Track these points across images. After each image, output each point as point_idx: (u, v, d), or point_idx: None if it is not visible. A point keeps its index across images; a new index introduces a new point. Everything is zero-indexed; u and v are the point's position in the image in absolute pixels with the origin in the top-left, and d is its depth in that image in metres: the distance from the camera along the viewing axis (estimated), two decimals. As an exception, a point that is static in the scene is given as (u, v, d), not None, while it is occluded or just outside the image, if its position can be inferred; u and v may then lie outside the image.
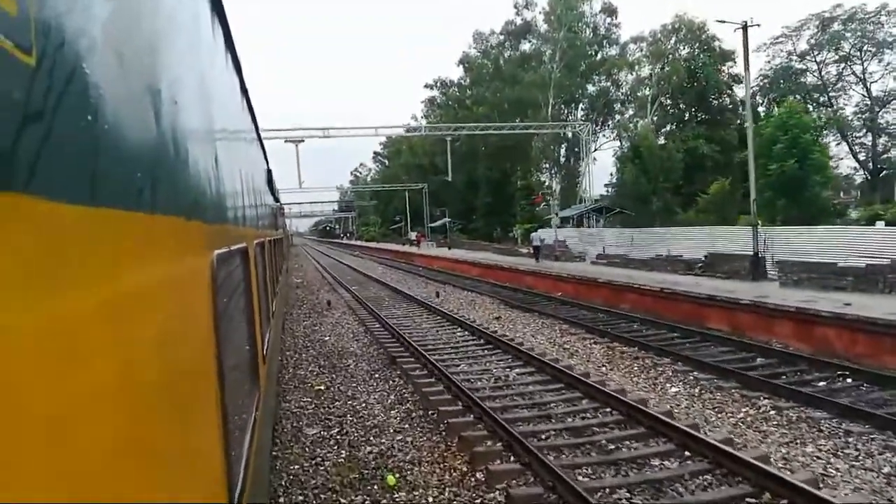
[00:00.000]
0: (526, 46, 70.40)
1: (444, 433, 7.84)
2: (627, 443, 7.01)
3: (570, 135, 66.53)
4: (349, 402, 9.63)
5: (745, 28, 18.50)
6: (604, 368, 11.06)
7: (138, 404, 1.02)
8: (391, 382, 10.53)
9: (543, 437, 7.26)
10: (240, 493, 2.14)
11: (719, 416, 8.31)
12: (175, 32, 1.75)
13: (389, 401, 9.55)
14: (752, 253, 17.83)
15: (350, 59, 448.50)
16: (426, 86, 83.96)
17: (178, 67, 1.73)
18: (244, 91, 4.97)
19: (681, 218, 44.76)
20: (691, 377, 10.18)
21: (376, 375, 11.09)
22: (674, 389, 9.66)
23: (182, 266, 1.54)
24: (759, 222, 18.90)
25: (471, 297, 21.48)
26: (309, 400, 9.92)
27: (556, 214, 32.71)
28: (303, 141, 37.60)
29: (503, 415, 7.82)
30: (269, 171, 10.77)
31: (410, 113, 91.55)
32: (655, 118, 57.93)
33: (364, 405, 9.43)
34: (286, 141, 37.11)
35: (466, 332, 14.10)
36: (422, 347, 12.13)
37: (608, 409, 8.08)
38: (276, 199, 15.08)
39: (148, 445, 1.07)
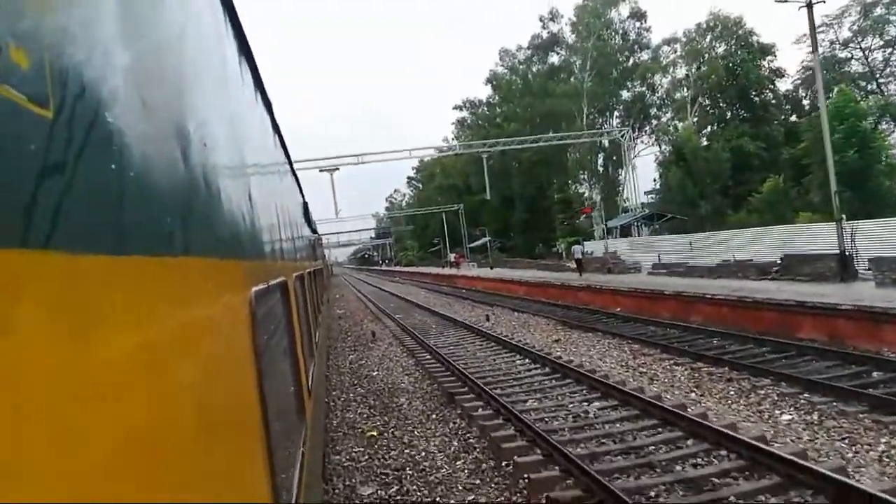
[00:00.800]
0: (554, 59, 69.37)
1: (524, 491, 6.54)
2: (762, 498, 5.60)
3: (606, 144, 65.02)
4: (406, 452, 8.41)
5: (809, 6, 16.98)
6: (693, 394, 9.62)
7: (183, 451, 1.01)
8: (452, 425, 9.26)
9: (652, 493, 5.89)
10: None
11: (858, 452, 6.80)
12: (202, 75, 1.75)
13: (453, 448, 8.28)
14: (837, 251, 16.08)
15: (379, 88, 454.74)
16: (455, 107, 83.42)
17: (206, 110, 1.71)
18: (275, 127, 4.89)
19: (731, 220, 42.65)
20: (802, 400, 8.67)
21: (433, 416, 9.85)
22: (786, 417, 8.16)
23: (219, 306, 1.50)
24: (844, 216, 17.13)
25: (523, 318, 20.12)
26: (361, 450, 8.74)
27: (605, 225, 31.07)
28: (337, 169, 36.87)
29: (594, 465, 6.50)
30: (305, 204, 10.82)
31: (442, 136, 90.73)
32: (696, 119, 55.87)
33: (424, 455, 8.19)
34: (321, 171, 36.49)
35: (527, 360, 12.78)
36: (480, 380, 10.87)
37: (723, 452, 6.66)
38: (314, 230, 15.25)
39: (195, 491, 1.04)
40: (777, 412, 8.40)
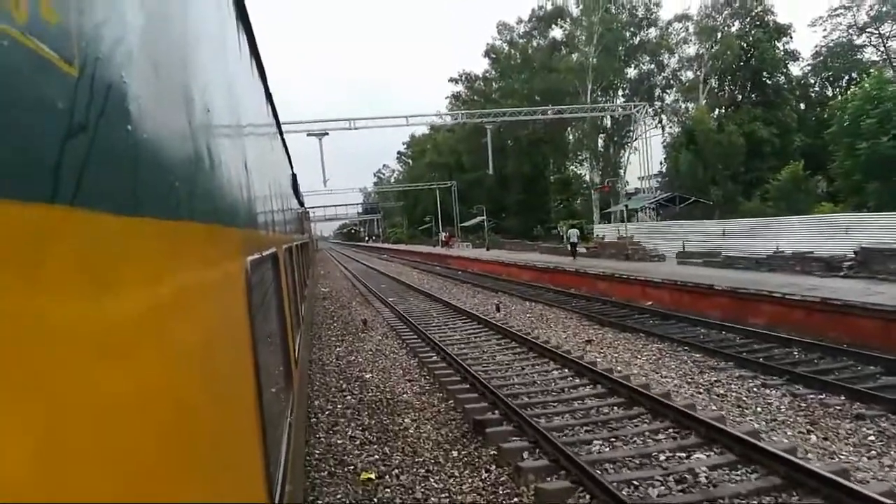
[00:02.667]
0: (557, 33, 66.07)
1: None
2: None
3: (608, 123, 62.34)
4: (422, 518, 5.74)
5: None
6: (813, 437, 6.99)
7: (182, 406, 1.03)
8: (485, 475, 6.54)
9: None
10: (279, 496, 2.13)
11: None
12: (204, 41, 1.71)
13: (494, 521, 5.61)
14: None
15: (372, 56, 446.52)
16: (451, 80, 79.74)
17: (208, 76, 1.70)
18: (269, 97, 4.75)
19: (744, 208, 40.17)
20: None
21: (454, 455, 7.13)
22: None
23: (220, 272, 1.55)
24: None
25: (537, 309, 17.40)
26: (353, 507, 6.06)
27: (626, 205, 28.35)
28: (326, 134, 33.59)
29: None
30: (293, 176, 10.54)
31: (435, 111, 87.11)
32: (705, 101, 53.07)
33: (449, 528, 5.52)
34: (308, 135, 33.24)
35: (565, 370, 10.06)
36: (512, 400, 8.20)
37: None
38: (301, 204, 14.72)
39: (192, 447, 1.07)
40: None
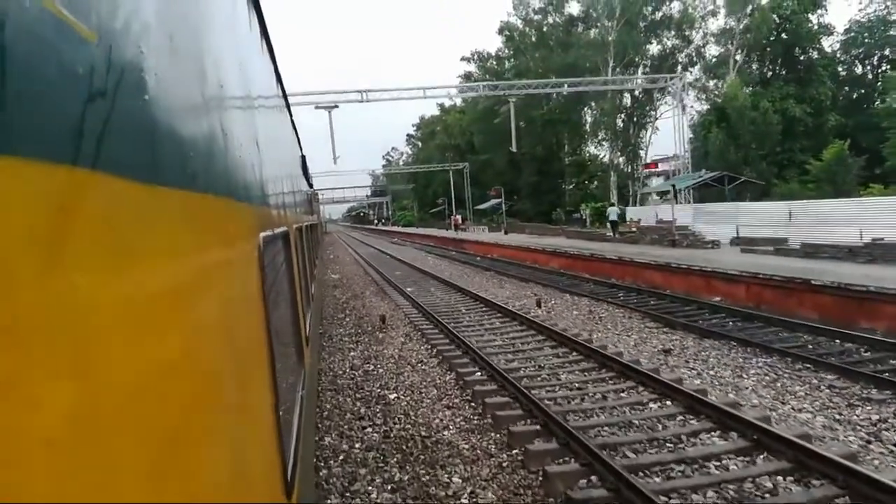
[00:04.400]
0: (574, 9, 62.74)
1: None
2: None
3: (627, 103, 59.38)
4: None
5: None
6: None
7: (199, 374, 1.02)
8: None
9: None
10: (293, 466, 2.14)
11: None
12: (219, 22, 1.73)
13: None
14: None
15: (381, 35, 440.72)
16: (463, 58, 76.61)
17: (222, 53, 1.70)
18: (279, 78, 4.78)
19: (781, 190, 37.27)
20: None
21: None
22: None
23: (235, 245, 1.55)
24: None
25: (584, 305, 14.80)
26: None
27: (673, 185, 25.60)
28: (336, 107, 30.84)
29: None
30: (303, 157, 10.43)
31: (445, 91, 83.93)
32: (733, 77, 49.87)
33: None
34: (317, 107, 30.45)
35: (670, 405, 7.43)
36: (616, 459, 5.69)
37: None
38: (310, 185, 14.61)
39: (208, 417, 1.06)
40: None
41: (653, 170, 43.88)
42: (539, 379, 8.67)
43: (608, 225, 26.73)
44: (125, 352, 0.69)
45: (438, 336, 12.05)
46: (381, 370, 10.39)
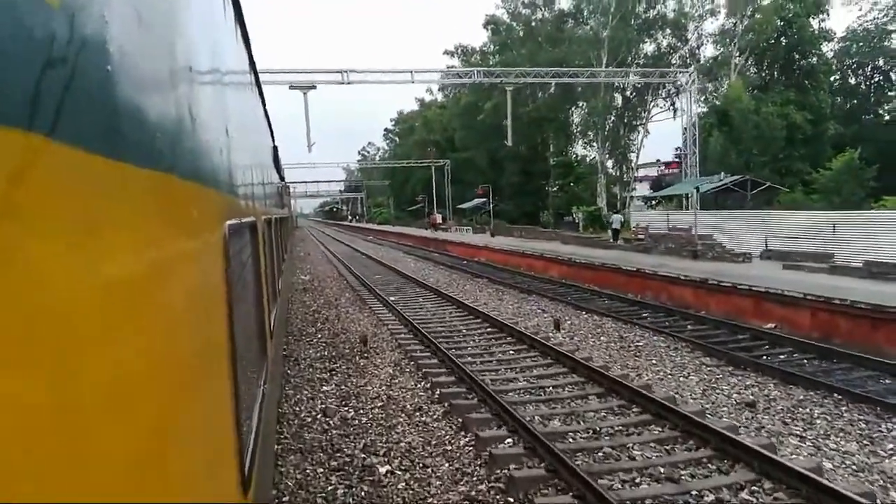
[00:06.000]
0: (564, 4, 60.39)
1: None
2: None
3: (619, 103, 57.27)
4: None
5: None
6: None
7: (154, 364, 0.98)
8: None
9: None
10: (250, 463, 2.03)
11: None
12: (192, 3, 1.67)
13: None
14: None
15: (363, 28, 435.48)
16: (446, 52, 73.95)
17: (192, 28, 1.59)
18: (252, 65, 4.65)
19: (783, 199, 35.25)
20: None
21: None
22: None
23: (200, 230, 1.47)
24: None
25: (609, 328, 12.11)
26: None
27: (697, 187, 23.12)
28: (314, 87, 27.81)
29: None
30: (275, 148, 9.78)
31: (426, 87, 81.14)
32: (735, 79, 47.92)
33: None
34: (292, 87, 27.42)
35: None
36: None
37: None
38: (282, 177, 14.18)
39: (163, 409, 1.01)
40: None
41: (676, 168, 41.64)
42: (601, 454, 6.01)
43: (610, 231, 24.44)
44: (72, 335, 0.64)
45: (438, 368, 9.36)
46: (363, 418, 7.69)
